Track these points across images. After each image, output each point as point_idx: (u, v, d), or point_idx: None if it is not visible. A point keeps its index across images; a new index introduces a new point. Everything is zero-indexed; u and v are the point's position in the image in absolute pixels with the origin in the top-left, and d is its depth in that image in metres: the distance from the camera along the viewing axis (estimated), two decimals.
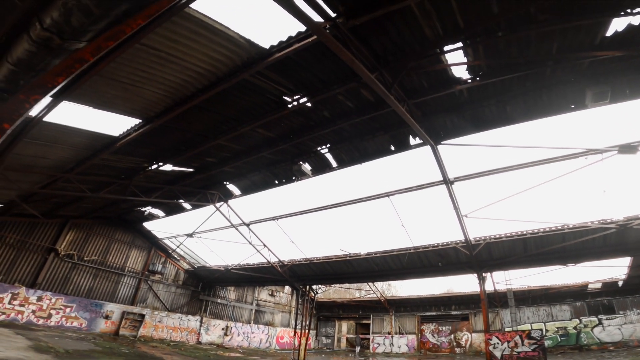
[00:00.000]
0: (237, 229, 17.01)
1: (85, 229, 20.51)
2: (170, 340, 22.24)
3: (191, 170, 12.83)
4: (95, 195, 13.85)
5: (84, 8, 4.91)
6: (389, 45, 7.18)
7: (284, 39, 7.03)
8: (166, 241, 23.51)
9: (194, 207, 16.01)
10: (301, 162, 11.07)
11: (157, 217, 18.76)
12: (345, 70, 7.74)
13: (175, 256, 25.08)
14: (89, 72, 6.88)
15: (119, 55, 6.41)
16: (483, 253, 15.42)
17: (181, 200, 14.73)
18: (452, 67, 7.62)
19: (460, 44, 7.02)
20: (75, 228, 20.07)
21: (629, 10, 6.02)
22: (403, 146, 10.56)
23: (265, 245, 18.97)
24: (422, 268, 18.06)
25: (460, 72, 7.87)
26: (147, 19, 4.36)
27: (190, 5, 5.59)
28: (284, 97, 8.59)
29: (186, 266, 25.89)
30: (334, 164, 11.39)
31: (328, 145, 10.66)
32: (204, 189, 14.22)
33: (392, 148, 10.68)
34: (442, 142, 9.98)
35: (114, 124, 10.15)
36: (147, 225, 22.24)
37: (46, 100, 7.95)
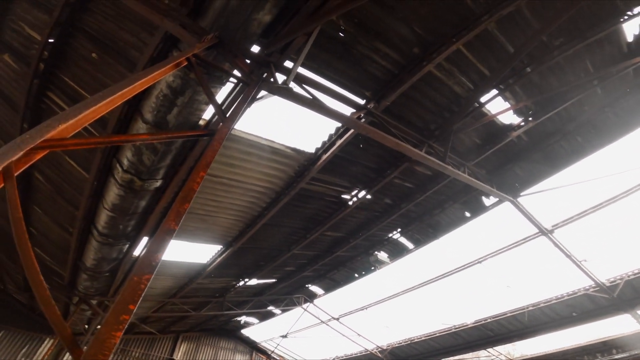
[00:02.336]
0: (327, 325, 15.62)
1: (194, 340, 20.93)
2: None
3: (274, 280, 12.38)
4: (198, 314, 14.33)
5: (150, 146, 5.05)
6: (426, 115, 6.49)
7: (326, 138, 6.63)
8: (264, 344, 22.68)
9: (283, 311, 15.24)
10: (376, 252, 9.96)
11: (252, 324, 18.35)
12: (393, 152, 7.01)
13: (275, 357, 23.79)
14: (166, 214, 7.02)
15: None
16: (627, 292, 11.80)
17: (271, 308, 14.19)
18: (498, 117, 6.60)
19: (495, 91, 6.21)
20: (186, 340, 20.59)
21: (629, 13, 5.11)
22: (479, 210, 9.03)
23: (359, 335, 17.02)
24: (551, 322, 14.33)
25: (510, 118, 6.84)
26: (207, 167, 4.17)
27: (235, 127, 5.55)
28: (343, 196, 7.97)
29: None
30: (410, 246, 10.07)
31: (399, 230, 9.53)
32: (289, 294, 13.58)
33: (467, 215, 9.19)
34: (522, 194, 8.35)
35: (202, 252, 10.50)
36: (245, 331, 21.89)
37: (144, 240, 8.26)
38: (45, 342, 14.29)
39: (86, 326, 14.12)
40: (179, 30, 4.01)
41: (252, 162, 6.61)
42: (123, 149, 5.59)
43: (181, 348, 19.98)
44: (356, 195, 7.92)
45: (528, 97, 6.31)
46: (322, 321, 15.19)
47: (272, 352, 22.85)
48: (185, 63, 3.75)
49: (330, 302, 18.22)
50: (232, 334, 22.08)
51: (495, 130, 6.97)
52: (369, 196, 7.93)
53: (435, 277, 12.11)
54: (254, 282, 12.10)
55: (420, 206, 8.69)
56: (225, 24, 4.02)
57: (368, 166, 7.31)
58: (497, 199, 8.41)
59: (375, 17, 4.88)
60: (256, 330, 22.29)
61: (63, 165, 6.92)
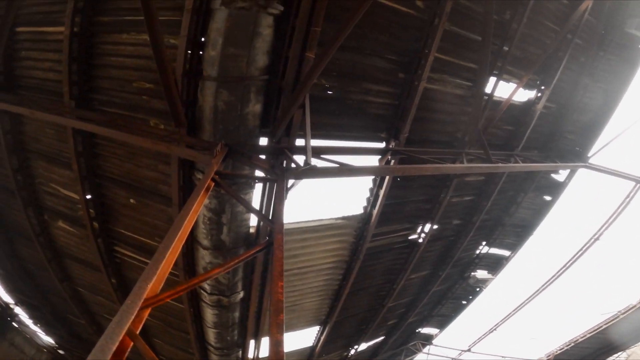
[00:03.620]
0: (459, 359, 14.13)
1: None
2: None
3: (382, 337, 11.79)
4: None
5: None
6: (447, 128, 6.27)
7: (368, 193, 6.47)
8: None
9: None
10: (473, 273, 9.14)
11: None
12: (436, 176, 6.69)
13: None
14: (259, 317, 7.21)
15: (269, 291, 6.52)
16: None
17: None
18: (513, 99, 6.30)
19: (493, 78, 6.09)
20: None
21: None
22: (556, 189, 8.12)
23: (504, 357, 14.96)
24: None
25: (525, 94, 6.84)
26: (282, 275, 4.15)
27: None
28: (410, 238, 7.63)
29: None
30: (506, 253, 9.15)
31: (484, 243, 8.75)
32: (403, 345, 12.75)
33: (548, 198, 8.25)
34: (590, 155, 7.49)
35: (304, 336, 10.49)
36: None
37: (252, 342, 8.53)
38: None
39: None
40: (188, 152, 4.03)
41: (312, 246, 6.67)
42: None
43: None
44: (422, 231, 7.54)
45: (525, 71, 6.23)
46: (453, 358, 13.82)
47: None
48: (213, 184, 3.78)
49: (454, 336, 16.54)
50: None
51: (519, 112, 6.79)
52: (435, 226, 7.50)
53: (559, 271, 10.49)
54: (364, 346, 11.64)
55: (493, 212, 8.00)
56: (225, 129, 4.05)
57: (420, 199, 7.02)
58: (568, 171, 7.62)
59: (348, 63, 4.88)
60: None
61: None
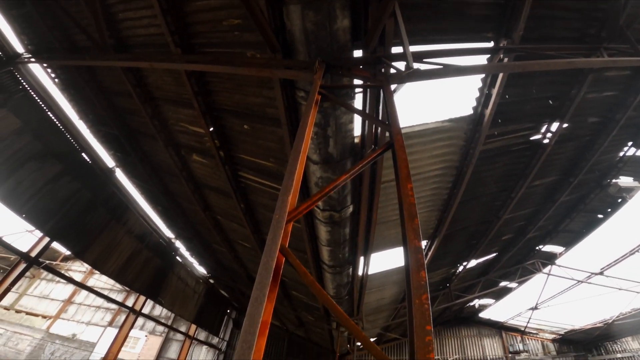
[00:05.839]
0: (589, 283, 12.72)
1: (435, 336, 21.12)
2: None
3: (495, 254, 11.21)
4: (433, 309, 14.13)
5: (329, 180, 5.35)
6: (575, 24, 5.08)
7: (477, 94, 5.72)
8: (512, 321, 20.23)
9: (520, 283, 13.45)
10: (614, 180, 7.63)
11: (489, 305, 16.92)
12: (564, 72, 5.60)
13: (532, 331, 20.85)
14: (368, 232, 7.45)
15: (377, 204, 6.61)
16: None
17: (504, 283, 12.79)
18: None
19: None
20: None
21: None
22: None
23: None
24: None
25: None
26: (409, 178, 4.06)
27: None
28: (532, 138, 6.61)
29: (550, 336, 20.75)
30: None
31: (630, 143, 7.11)
32: (519, 264, 11.96)
33: None
34: None
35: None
36: (485, 314, 20.34)
37: (362, 261, 9.05)
38: None
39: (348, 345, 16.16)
40: (290, 73, 4.12)
41: (417, 152, 6.34)
42: (314, 192, 6.36)
43: None
44: (548, 130, 6.44)
45: None
46: (579, 281, 12.52)
47: (525, 327, 20.24)
48: (319, 97, 3.81)
49: (583, 256, 14.67)
50: (471, 320, 21.39)
51: None
52: (565, 125, 6.32)
53: None
54: (473, 263, 11.31)
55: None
56: (317, 48, 4.00)
57: (543, 97, 5.91)
58: None
59: None
60: (498, 310, 20.43)
61: None
